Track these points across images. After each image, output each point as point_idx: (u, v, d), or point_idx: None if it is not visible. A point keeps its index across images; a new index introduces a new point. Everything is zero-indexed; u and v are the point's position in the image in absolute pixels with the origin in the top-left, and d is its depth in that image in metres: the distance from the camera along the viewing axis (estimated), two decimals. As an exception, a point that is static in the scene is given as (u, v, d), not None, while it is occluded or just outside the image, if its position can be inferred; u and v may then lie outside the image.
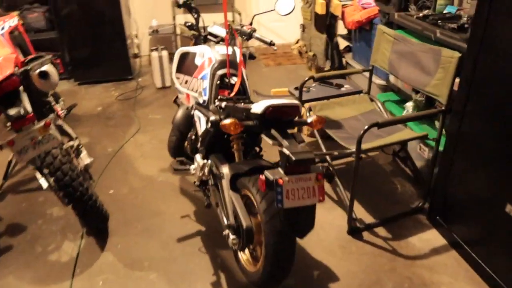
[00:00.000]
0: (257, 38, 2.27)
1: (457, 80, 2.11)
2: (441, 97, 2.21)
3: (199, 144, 2.20)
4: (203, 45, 2.29)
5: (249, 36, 2.35)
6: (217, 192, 2.06)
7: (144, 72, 5.06)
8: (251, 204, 1.89)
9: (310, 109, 2.69)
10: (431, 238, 2.32)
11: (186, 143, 2.50)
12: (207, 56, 2.21)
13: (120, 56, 4.66)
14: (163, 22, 5.22)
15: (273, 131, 1.67)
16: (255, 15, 2.39)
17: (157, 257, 2.23)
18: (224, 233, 1.91)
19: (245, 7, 5.54)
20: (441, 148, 2.30)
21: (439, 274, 2.11)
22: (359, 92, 2.91)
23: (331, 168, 2.66)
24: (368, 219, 2.47)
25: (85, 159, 2.44)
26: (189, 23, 2.51)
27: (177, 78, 2.42)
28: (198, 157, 2.19)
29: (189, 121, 2.72)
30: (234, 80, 2.17)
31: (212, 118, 1.97)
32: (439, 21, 2.44)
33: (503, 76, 1.79)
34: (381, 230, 2.39)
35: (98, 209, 2.25)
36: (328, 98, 2.82)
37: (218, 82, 2.15)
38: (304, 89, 2.95)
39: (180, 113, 2.74)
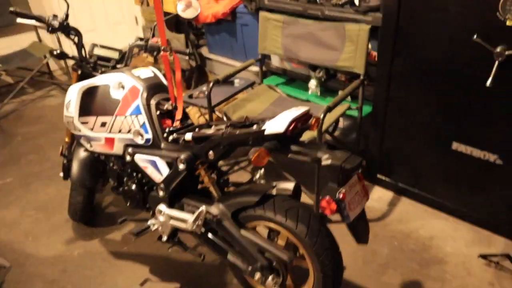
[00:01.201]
0: (177, 51, 1.92)
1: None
2: (357, 68, 2.34)
3: (160, 193, 1.77)
4: (111, 74, 1.80)
5: (158, 50, 1.97)
6: (217, 239, 1.72)
7: None
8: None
9: (225, 114, 2.48)
10: (381, 195, 2.52)
11: (128, 197, 1.96)
12: (128, 85, 1.75)
13: None
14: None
15: (293, 147, 1.47)
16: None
17: None
18: (255, 277, 1.63)
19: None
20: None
21: (409, 221, 2.33)
22: (253, 83, 2.83)
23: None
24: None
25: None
26: (58, 51, 1.95)
27: (84, 123, 1.86)
28: (162, 207, 1.77)
29: (96, 172, 2.18)
30: (168, 105, 1.80)
31: (184, 156, 1.61)
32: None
33: (421, 35, 2.02)
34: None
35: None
36: (231, 97, 2.64)
37: (158, 112, 1.75)
38: (201, 95, 2.70)
39: (78, 165, 2.16)
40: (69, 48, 3.95)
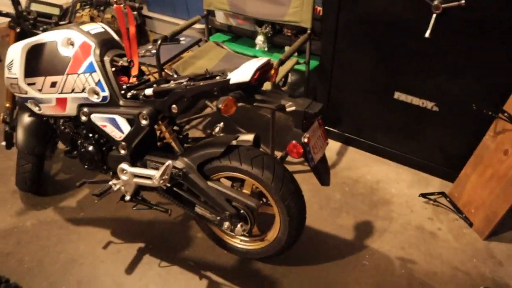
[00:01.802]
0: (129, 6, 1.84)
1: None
2: (304, 22, 2.40)
3: (122, 151, 1.74)
4: (58, 30, 1.70)
5: (106, 4, 1.88)
6: (182, 193, 1.74)
7: None
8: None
9: (176, 72, 2.44)
10: (330, 145, 2.66)
11: (85, 159, 1.88)
12: (78, 41, 1.67)
13: None
14: None
15: (257, 96, 1.50)
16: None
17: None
18: (224, 226, 1.68)
19: None
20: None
21: (357, 168, 2.49)
22: (199, 41, 2.79)
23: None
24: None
25: None
26: None
27: (31, 84, 1.75)
28: (125, 166, 1.75)
29: (44, 137, 2.09)
30: (123, 61, 1.75)
31: (146, 112, 1.60)
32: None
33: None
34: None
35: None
36: (178, 55, 2.60)
37: (113, 69, 1.70)
38: (147, 53, 2.62)
39: (24, 131, 2.05)
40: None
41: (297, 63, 2.52)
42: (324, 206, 2.27)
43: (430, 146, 2.37)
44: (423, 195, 2.31)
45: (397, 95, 2.29)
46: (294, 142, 1.43)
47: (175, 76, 2.42)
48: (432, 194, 2.31)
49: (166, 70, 2.52)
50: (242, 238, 1.88)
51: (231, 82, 1.43)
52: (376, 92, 2.36)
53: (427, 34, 1.99)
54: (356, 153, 2.63)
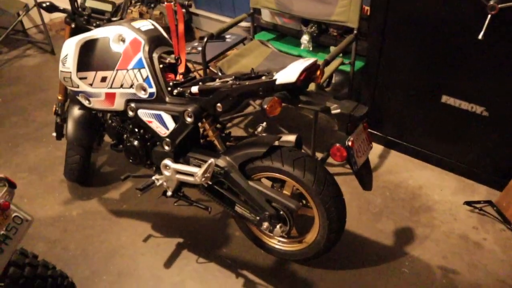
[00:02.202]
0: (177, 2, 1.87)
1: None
2: (351, 22, 2.36)
3: (166, 147, 1.78)
4: (110, 26, 1.76)
5: (157, 0, 1.92)
6: (224, 191, 1.76)
7: None
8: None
9: (220, 70, 2.46)
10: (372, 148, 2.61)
11: (130, 154, 1.94)
12: (129, 38, 1.72)
13: None
14: None
15: (302, 97, 1.49)
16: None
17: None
18: (263, 227, 1.69)
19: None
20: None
21: (399, 173, 2.43)
22: (244, 39, 2.81)
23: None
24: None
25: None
26: (48, 3, 1.88)
27: (83, 78, 1.82)
28: (168, 162, 1.79)
29: (93, 130, 2.17)
30: (171, 58, 1.78)
31: (191, 109, 1.62)
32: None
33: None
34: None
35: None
36: (224, 52, 2.63)
37: (161, 66, 1.73)
38: (193, 50, 2.66)
39: (74, 123, 2.13)
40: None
41: (342, 63, 2.48)
42: (364, 210, 2.24)
43: (478, 152, 2.28)
44: (468, 203, 2.22)
45: (445, 98, 2.21)
46: (337, 145, 1.41)
47: (220, 74, 2.44)
48: (478, 202, 2.22)
49: (211, 68, 2.55)
50: (280, 239, 1.88)
51: (277, 82, 1.43)
52: (423, 95, 2.29)
53: (480, 36, 1.90)
54: (398, 157, 2.57)
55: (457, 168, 2.40)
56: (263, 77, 1.52)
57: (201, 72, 2.55)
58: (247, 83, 1.49)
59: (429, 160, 2.48)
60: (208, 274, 1.92)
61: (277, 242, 1.89)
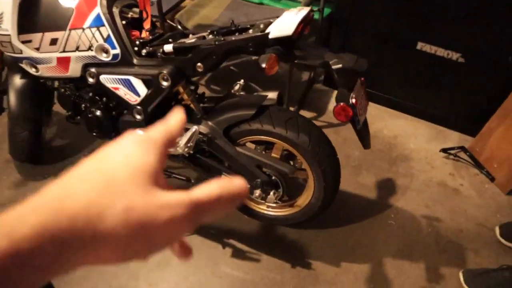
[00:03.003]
0: None
1: None
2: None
3: (137, 116, 1.56)
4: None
5: None
6: (208, 160, 1.60)
7: None
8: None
9: (179, 22, 2.20)
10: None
11: (93, 126, 1.69)
12: (81, -10, 1.43)
13: None
14: None
15: (297, 52, 1.34)
16: None
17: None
18: (255, 194, 1.56)
19: None
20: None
21: (373, 123, 2.38)
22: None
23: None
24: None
25: None
26: None
27: (27, 42, 1.52)
28: (141, 132, 1.58)
29: (40, 101, 1.88)
30: (133, 12, 1.54)
31: (167, 71, 1.41)
32: None
33: None
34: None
35: None
36: (180, 2, 2.36)
37: (123, 22, 1.48)
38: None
39: (17, 95, 1.83)
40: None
41: (311, 11, 2.31)
42: (343, 164, 2.13)
43: (451, 99, 2.28)
44: (444, 150, 2.24)
45: (421, 45, 2.15)
46: (342, 104, 1.28)
47: (180, 27, 2.19)
48: (452, 149, 2.25)
49: (168, 21, 2.28)
50: (270, 204, 1.78)
51: (270, 36, 1.26)
52: (397, 43, 2.21)
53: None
54: (371, 107, 2.51)
55: (431, 115, 2.39)
56: (250, 31, 1.34)
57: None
58: (233, 38, 1.31)
59: (403, 109, 2.46)
60: (193, 247, 1.78)
61: (267, 208, 1.78)
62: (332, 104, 2.54)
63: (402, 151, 2.26)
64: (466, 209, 1.99)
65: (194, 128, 1.47)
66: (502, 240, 1.83)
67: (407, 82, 2.34)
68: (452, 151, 2.24)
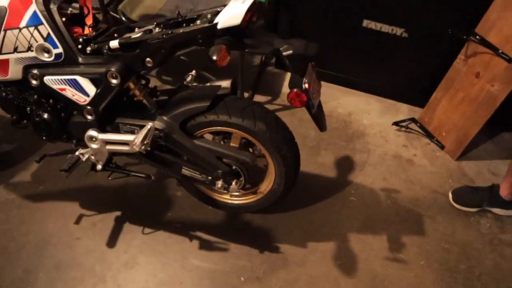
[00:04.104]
0: None
1: None
2: None
3: (88, 117, 1.50)
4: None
5: None
6: (166, 155, 1.57)
7: None
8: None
9: (123, 13, 2.11)
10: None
11: (41, 130, 1.60)
12: (12, -13, 1.34)
13: None
14: None
15: (246, 40, 1.32)
16: None
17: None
18: (217, 186, 1.56)
19: None
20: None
21: (326, 102, 2.44)
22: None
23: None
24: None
25: None
26: None
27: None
28: (94, 133, 1.52)
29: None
30: (73, 8, 1.47)
31: (116, 68, 1.36)
32: None
33: None
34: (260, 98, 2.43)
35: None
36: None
37: (63, 19, 1.40)
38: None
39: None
40: None
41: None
42: (301, 145, 2.15)
43: (399, 73, 2.35)
44: (396, 123, 2.32)
45: (366, 23, 2.19)
46: (295, 90, 1.29)
47: (124, 19, 2.11)
48: (403, 121, 2.33)
49: (111, 13, 2.18)
50: (233, 193, 1.78)
51: (218, 26, 1.24)
52: (343, 22, 2.24)
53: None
54: (324, 87, 2.53)
55: (381, 90, 2.47)
56: (198, 22, 1.31)
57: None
58: (181, 30, 1.27)
59: (354, 86, 2.52)
60: (159, 243, 1.77)
61: (230, 197, 1.79)
62: (285, 87, 2.55)
63: (357, 128, 2.32)
64: (421, 178, 2.08)
65: (149, 125, 1.44)
66: (455, 205, 1.93)
67: (356, 59, 2.39)
68: (404, 124, 2.32)
